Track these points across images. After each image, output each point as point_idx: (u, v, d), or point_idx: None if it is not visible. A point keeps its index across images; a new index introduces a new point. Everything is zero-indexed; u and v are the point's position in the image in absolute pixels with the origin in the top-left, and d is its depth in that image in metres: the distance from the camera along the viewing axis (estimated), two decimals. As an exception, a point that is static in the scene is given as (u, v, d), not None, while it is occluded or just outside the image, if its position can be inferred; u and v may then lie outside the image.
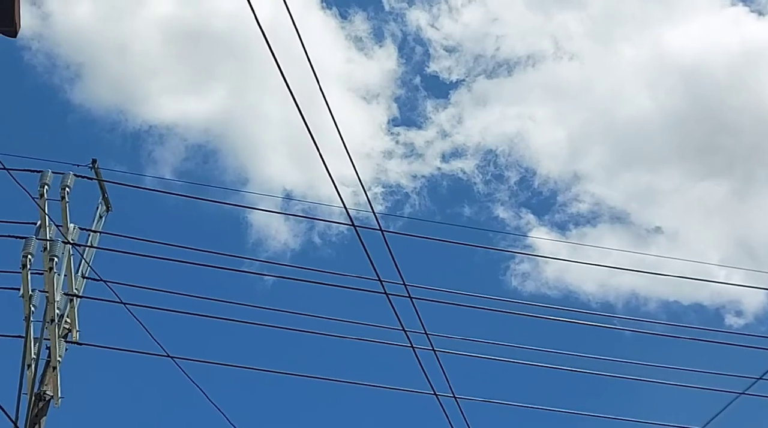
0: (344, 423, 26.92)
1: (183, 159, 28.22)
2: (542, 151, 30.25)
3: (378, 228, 9.60)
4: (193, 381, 9.96)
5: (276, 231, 27.60)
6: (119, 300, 9.00)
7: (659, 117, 30.49)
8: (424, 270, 9.37)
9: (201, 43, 28.62)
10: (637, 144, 30.74)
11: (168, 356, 9.35)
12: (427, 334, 10.17)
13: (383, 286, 9.82)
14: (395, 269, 9.28)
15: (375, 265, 9.48)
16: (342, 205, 9.23)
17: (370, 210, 9.27)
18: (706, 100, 30.60)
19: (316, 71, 6.55)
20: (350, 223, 9.57)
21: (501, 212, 28.23)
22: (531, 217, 29.09)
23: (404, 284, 9.88)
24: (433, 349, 10.18)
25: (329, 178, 7.15)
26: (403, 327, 9.99)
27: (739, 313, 26.93)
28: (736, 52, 31.49)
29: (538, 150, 30.50)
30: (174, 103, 28.89)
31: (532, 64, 30.14)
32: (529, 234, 25.81)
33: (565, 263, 27.39)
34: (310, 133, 6.55)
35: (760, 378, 8.20)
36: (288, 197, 20.91)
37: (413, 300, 10.01)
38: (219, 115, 29.51)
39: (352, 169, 7.13)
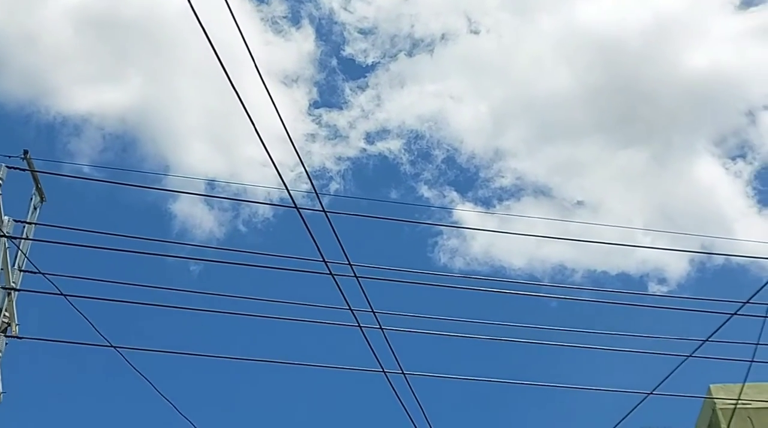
0: (295, 404, 26.93)
1: (101, 149, 27.42)
2: (464, 129, 30.41)
3: (321, 209, 9.58)
4: (138, 371, 9.82)
5: (200, 221, 27.19)
6: (59, 292, 8.79)
7: (578, 90, 30.85)
8: (353, 250, 9.35)
9: (113, 31, 27.71)
10: (557, 117, 31.08)
11: (111, 346, 9.19)
12: (374, 312, 10.19)
13: (328, 267, 9.79)
14: (335, 249, 9.30)
15: (319, 246, 9.49)
16: (284, 187, 9.19)
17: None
18: (622, 72, 31.07)
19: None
20: (293, 205, 9.52)
21: (425, 191, 28.35)
22: (455, 195, 29.31)
23: (350, 264, 9.88)
24: (380, 327, 10.21)
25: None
26: (349, 306, 9.99)
27: (662, 281, 27.62)
28: (649, 24, 32.02)
29: (459, 127, 30.66)
30: (88, 92, 27.99)
31: (449, 41, 30.11)
32: (455, 209, 26.00)
33: (492, 238, 27.68)
34: (250, 117, 6.46)
35: (707, 340, 8.42)
36: (212, 180, 20.51)
37: (359, 279, 10.03)
38: (135, 103, 28.71)
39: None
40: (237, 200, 23.29)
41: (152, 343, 9.47)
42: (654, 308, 10.77)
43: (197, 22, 5.81)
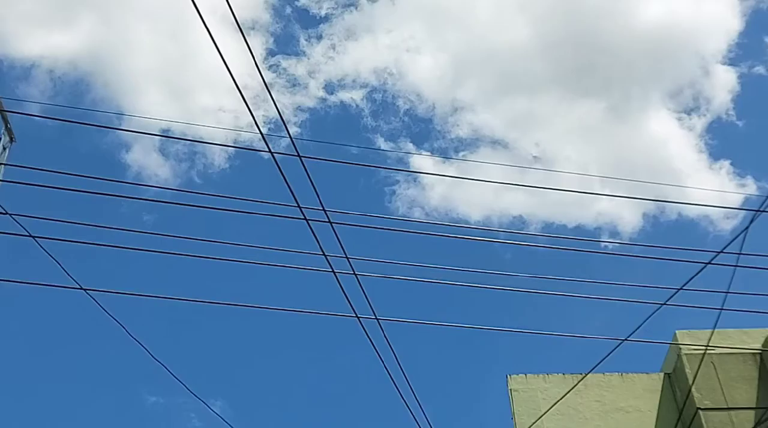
0: (269, 349, 27.07)
1: (51, 95, 26.68)
2: (420, 80, 30.19)
3: (296, 153, 9.48)
4: (109, 314, 9.74)
5: (154, 172, 26.75)
6: (27, 234, 8.63)
7: (535, 41, 30.67)
8: (307, 198, 9.28)
9: None
10: (514, 69, 30.92)
11: (81, 288, 9.07)
12: (347, 258, 10.17)
13: (302, 212, 9.72)
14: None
15: (293, 190, 9.42)
16: (258, 131, 9.06)
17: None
18: (580, 23, 30.94)
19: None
20: (267, 150, 9.40)
21: (382, 143, 28.21)
22: (411, 147, 29.20)
23: (323, 209, 9.82)
24: (354, 273, 10.20)
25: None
26: (323, 251, 9.96)
27: (614, 234, 27.98)
28: None
29: (416, 79, 30.42)
30: (37, 35, 27.09)
31: None
32: (411, 160, 25.97)
33: (449, 189, 27.69)
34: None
35: (681, 289, 8.55)
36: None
37: (333, 224, 9.98)
38: (87, 47, 27.87)
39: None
40: (208, 143, 22.95)
41: (123, 287, 9.36)
42: (622, 256, 10.89)
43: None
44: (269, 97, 7.87)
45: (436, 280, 9.87)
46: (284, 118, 8.23)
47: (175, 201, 9.96)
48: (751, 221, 8.27)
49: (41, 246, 9.23)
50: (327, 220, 9.98)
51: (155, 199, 10.63)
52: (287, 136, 8.76)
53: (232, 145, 20.65)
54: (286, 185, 9.13)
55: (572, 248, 9.50)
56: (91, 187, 8.63)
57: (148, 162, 27.90)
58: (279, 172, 9.19)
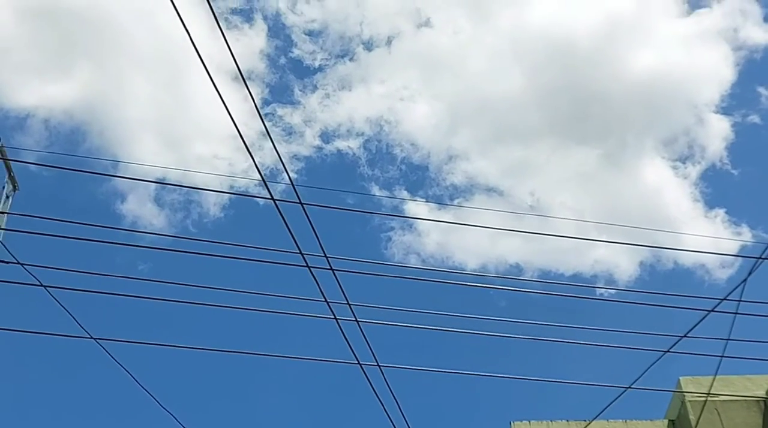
0: (272, 396, 26.89)
1: (47, 145, 26.75)
2: (415, 129, 30.42)
3: (298, 201, 9.55)
4: (117, 362, 9.74)
5: (149, 222, 26.75)
6: (39, 283, 8.67)
7: (530, 91, 30.87)
8: (307, 244, 9.33)
9: (58, 21, 26.80)
10: (509, 118, 31.14)
11: (91, 338, 9.08)
12: (349, 305, 10.19)
13: (305, 259, 9.77)
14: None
15: (295, 237, 9.47)
16: (261, 178, 9.15)
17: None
18: (574, 73, 31.21)
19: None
20: (269, 196, 9.48)
21: (377, 191, 28.33)
22: (406, 194, 29.30)
23: (325, 256, 9.86)
24: (356, 320, 10.21)
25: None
26: (325, 298, 9.98)
27: (610, 282, 27.93)
28: (599, 25, 32.23)
29: (411, 128, 30.62)
30: (32, 85, 27.24)
31: (399, 41, 29.93)
32: (407, 208, 26.05)
33: (445, 236, 27.67)
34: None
35: (685, 336, 8.55)
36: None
37: (335, 272, 10.01)
38: (82, 96, 27.99)
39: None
40: (207, 190, 23.05)
41: (131, 335, 9.37)
42: (624, 303, 10.90)
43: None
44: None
45: (439, 327, 9.88)
46: (282, 165, 8.32)
47: (174, 248, 10.00)
48: (753, 268, 8.30)
49: (52, 296, 9.21)
50: (329, 267, 10.01)
51: (154, 246, 10.68)
52: (285, 182, 8.84)
53: (231, 191, 20.77)
54: (282, 233, 9.18)
55: (572, 295, 9.52)
56: (87, 236, 8.68)
57: (143, 212, 28.00)
58: (280, 217, 9.25)
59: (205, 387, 26.09)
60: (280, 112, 29.52)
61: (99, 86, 28.97)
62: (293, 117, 29.73)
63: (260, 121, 8.31)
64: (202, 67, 7.27)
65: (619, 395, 9.17)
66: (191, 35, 6.89)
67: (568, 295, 9.35)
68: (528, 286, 11.02)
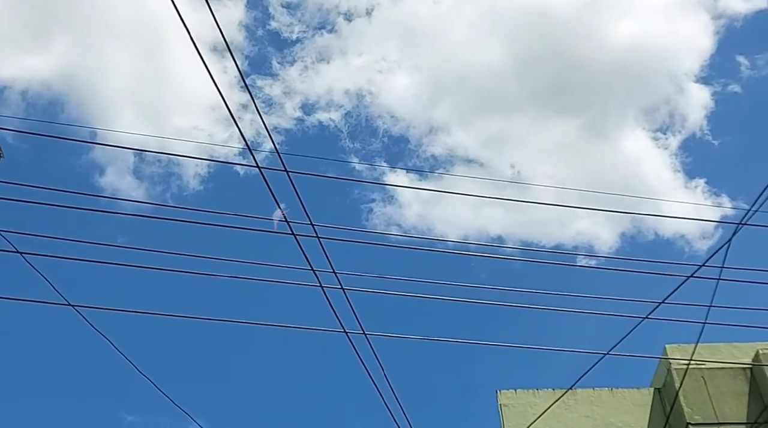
0: (257, 364, 27.01)
1: (24, 116, 26.63)
2: (396, 101, 30.30)
3: (283, 168, 9.51)
4: (97, 329, 9.74)
5: (128, 194, 26.68)
6: (15, 250, 8.64)
7: (510, 61, 30.61)
8: (296, 213, 9.31)
9: None
10: (489, 89, 30.94)
11: (69, 304, 9.07)
12: (335, 273, 10.19)
13: (290, 226, 9.75)
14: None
15: (280, 206, 9.45)
16: (246, 147, 9.10)
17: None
18: (554, 43, 31.01)
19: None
20: (255, 164, 9.43)
21: (357, 164, 28.25)
22: (386, 168, 29.26)
23: (311, 224, 9.84)
24: (342, 287, 10.21)
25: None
26: (311, 266, 9.97)
27: (591, 253, 28.03)
28: None
29: (391, 100, 30.49)
30: (11, 57, 27.08)
31: (378, 11, 29.63)
32: (387, 180, 25.97)
33: (426, 207, 27.63)
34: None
35: (663, 302, 8.57)
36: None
37: (320, 239, 9.99)
38: (61, 68, 27.81)
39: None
40: (192, 158, 22.98)
41: (108, 303, 9.36)
42: (607, 270, 10.92)
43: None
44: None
45: (425, 295, 9.88)
46: (262, 137, 8.28)
47: (156, 215, 9.96)
48: (734, 233, 8.31)
49: (29, 263, 9.22)
50: (315, 235, 10.00)
51: (135, 213, 10.64)
52: (268, 150, 8.79)
53: (215, 159, 20.70)
54: (265, 202, 9.16)
55: (554, 262, 9.52)
56: (68, 205, 8.64)
57: (122, 184, 27.96)
58: (265, 185, 9.22)
59: (188, 355, 26.22)
60: (259, 83, 29.42)
61: (77, 58, 28.85)
62: (273, 89, 29.64)
63: (239, 93, 8.24)
64: (184, 38, 7.19)
65: (597, 361, 9.22)
66: (176, 5, 6.80)
67: (550, 262, 9.37)
68: (510, 256, 11.02)
